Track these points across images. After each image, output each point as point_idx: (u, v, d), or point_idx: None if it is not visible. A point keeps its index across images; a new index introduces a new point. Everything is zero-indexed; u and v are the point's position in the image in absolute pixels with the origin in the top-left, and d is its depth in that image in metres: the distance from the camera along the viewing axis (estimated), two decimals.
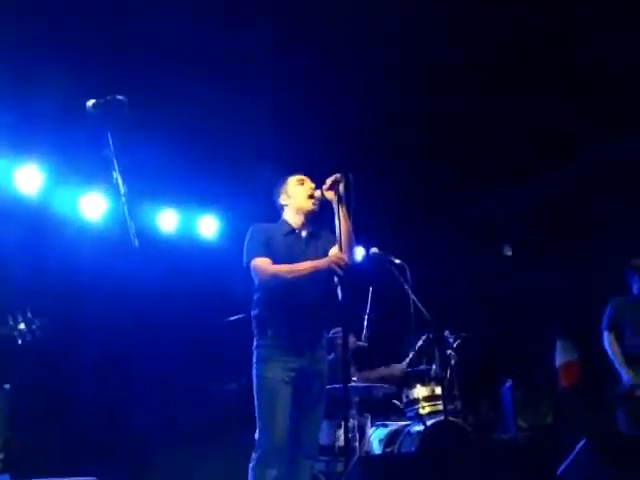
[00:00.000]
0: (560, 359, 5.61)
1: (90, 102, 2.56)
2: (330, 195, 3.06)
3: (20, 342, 2.77)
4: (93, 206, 5.03)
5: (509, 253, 6.39)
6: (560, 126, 4.96)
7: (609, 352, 4.57)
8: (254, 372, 3.01)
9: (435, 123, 4.94)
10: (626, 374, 4.44)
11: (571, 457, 2.52)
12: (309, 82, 4.46)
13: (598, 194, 5.48)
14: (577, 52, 4.33)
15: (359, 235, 3.11)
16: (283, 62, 4.24)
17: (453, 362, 4.30)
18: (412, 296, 3.98)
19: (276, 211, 3.29)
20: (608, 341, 4.56)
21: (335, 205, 3.02)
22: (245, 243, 3.13)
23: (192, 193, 5.47)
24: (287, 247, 3.11)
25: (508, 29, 4.14)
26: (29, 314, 2.84)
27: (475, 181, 5.58)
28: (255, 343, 3.07)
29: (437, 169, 5.41)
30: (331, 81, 4.48)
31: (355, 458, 3.10)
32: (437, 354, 4.23)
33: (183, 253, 5.47)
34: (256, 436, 2.93)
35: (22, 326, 2.75)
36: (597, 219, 5.53)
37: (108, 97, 2.54)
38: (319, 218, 3.24)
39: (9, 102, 4.08)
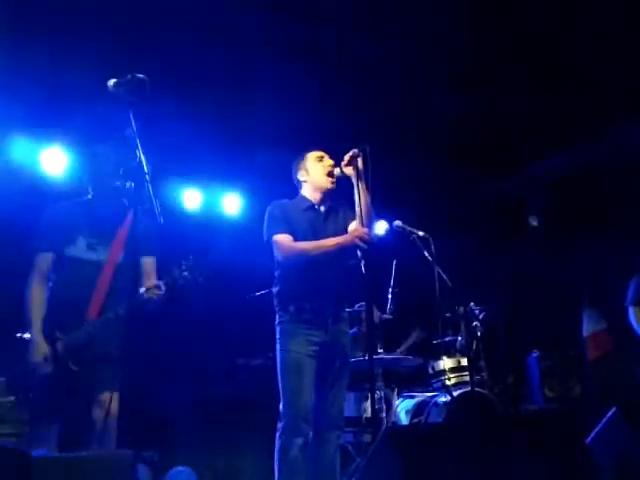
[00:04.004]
0: (587, 330, 5.55)
1: (111, 82, 2.57)
2: (349, 171, 3.06)
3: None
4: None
5: (535, 224, 6.32)
6: (589, 98, 4.86)
7: (635, 327, 4.57)
8: (277, 346, 3.06)
9: (461, 94, 4.86)
10: None
11: (601, 426, 2.51)
12: (331, 59, 4.42)
13: (624, 165, 5.38)
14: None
15: (383, 209, 3.10)
16: (307, 40, 4.21)
17: (479, 334, 4.29)
18: (437, 268, 3.97)
19: (295, 187, 3.29)
20: (634, 316, 4.56)
21: (354, 181, 3.02)
22: (265, 220, 3.15)
23: (215, 171, 5.49)
24: (307, 222, 3.12)
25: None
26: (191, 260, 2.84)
27: (502, 153, 5.50)
28: (277, 319, 3.10)
29: (463, 141, 5.35)
30: (353, 56, 4.43)
31: (383, 429, 3.14)
32: (463, 326, 4.23)
33: (207, 230, 5.51)
34: (280, 408, 2.98)
35: (186, 273, 2.79)
36: (624, 189, 5.43)
37: (129, 76, 2.55)
38: (336, 192, 3.23)
39: (34, 84, 4.12)
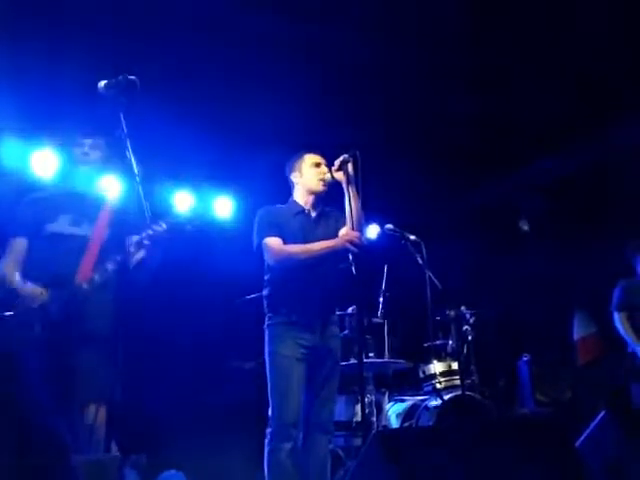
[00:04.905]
0: (578, 333, 5.58)
1: (102, 83, 2.57)
2: (339, 176, 3.07)
3: None
4: (109, 188, 5.04)
5: (526, 228, 6.34)
6: (580, 103, 4.89)
7: (621, 332, 4.63)
8: (267, 349, 3.05)
9: (456, 97, 4.87)
10: None
11: (590, 429, 2.52)
12: (327, 61, 4.42)
13: (616, 169, 5.41)
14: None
15: (374, 213, 3.11)
16: (303, 41, 4.21)
17: (470, 337, 4.29)
18: (428, 272, 3.98)
19: (288, 187, 3.29)
20: (619, 321, 4.64)
21: (345, 185, 3.04)
22: (255, 225, 3.15)
23: (207, 173, 5.47)
24: (297, 227, 3.13)
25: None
26: None
27: (492, 157, 5.52)
28: (267, 322, 3.10)
29: (454, 145, 5.36)
30: (348, 63, 4.44)
31: (373, 432, 3.13)
32: (453, 330, 4.23)
33: (199, 233, 5.48)
34: (269, 412, 2.97)
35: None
36: (615, 194, 5.46)
37: (120, 77, 2.55)
38: (326, 197, 3.25)
39: (24, 86, 4.10)
